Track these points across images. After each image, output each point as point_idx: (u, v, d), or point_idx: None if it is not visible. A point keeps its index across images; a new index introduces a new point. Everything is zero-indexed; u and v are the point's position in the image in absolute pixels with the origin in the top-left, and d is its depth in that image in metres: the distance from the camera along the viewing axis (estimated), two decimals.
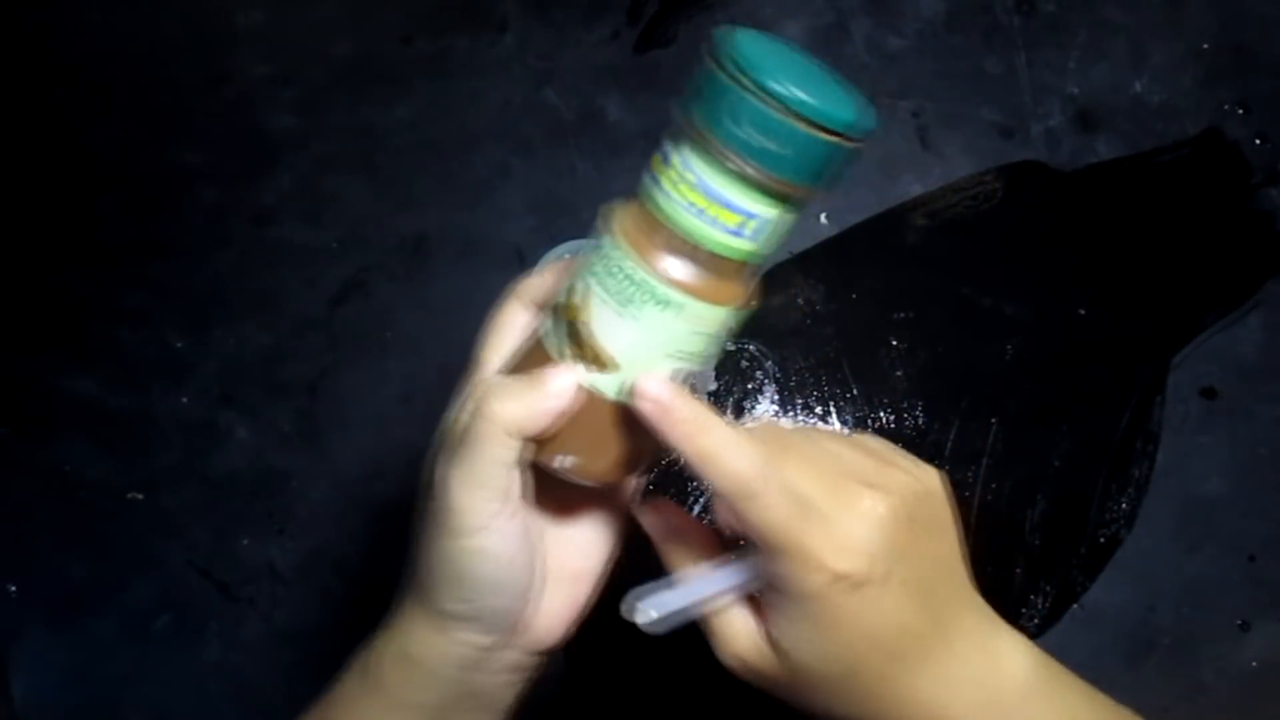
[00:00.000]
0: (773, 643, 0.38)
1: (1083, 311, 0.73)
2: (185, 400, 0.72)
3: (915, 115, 0.76)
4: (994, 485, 0.70)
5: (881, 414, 0.71)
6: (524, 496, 0.39)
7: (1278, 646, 0.69)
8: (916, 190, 0.74)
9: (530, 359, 0.39)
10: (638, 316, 0.36)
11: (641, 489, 0.46)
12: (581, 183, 0.75)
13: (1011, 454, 0.70)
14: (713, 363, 0.39)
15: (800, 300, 0.73)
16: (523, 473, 0.38)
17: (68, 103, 0.77)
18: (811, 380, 0.72)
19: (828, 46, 0.78)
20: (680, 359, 0.37)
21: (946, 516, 0.38)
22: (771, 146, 0.33)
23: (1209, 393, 0.72)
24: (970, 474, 0.70)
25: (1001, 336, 0.72)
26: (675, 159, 0.35)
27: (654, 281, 0.35)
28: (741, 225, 0.35)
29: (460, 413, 0.38)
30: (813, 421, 0.71)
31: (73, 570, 0.70)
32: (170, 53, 0.78)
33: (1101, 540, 0.70)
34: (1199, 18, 0.78)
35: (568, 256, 0.41)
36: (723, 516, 0.40)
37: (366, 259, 0.74)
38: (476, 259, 0.74)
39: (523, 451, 0.37)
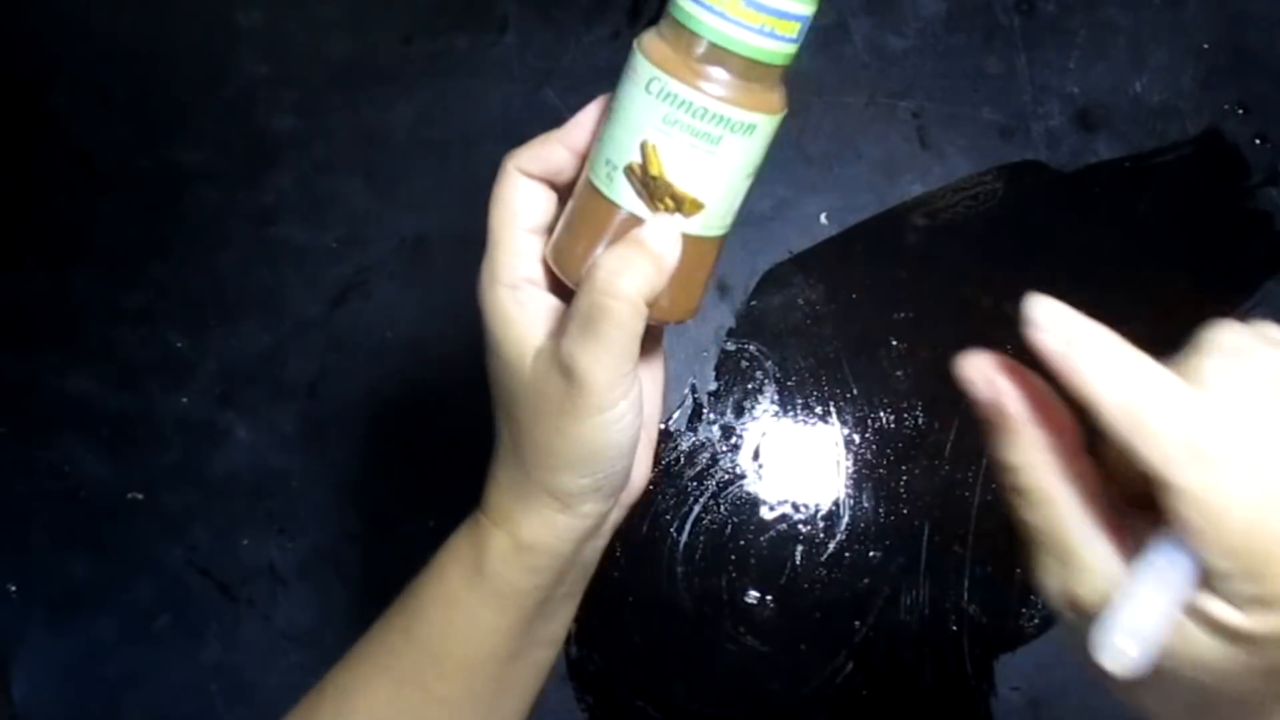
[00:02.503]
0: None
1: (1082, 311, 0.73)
2: (185, 400, 0.72)
3: (915, 115, 0.76)
4: (994, 485, 0.70)
5: (881, 414, 0.71)
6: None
7: None
8: (916, 190, 0.74)
9: (597, 224, 0.38)
10: (722, 150, 0.36)
11: None
12: None
13: None
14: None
15: (800, 300, 0.73)
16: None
17: (68, 103, 0.77)
18: (811, 380, 0.72)
19: (828, 46, 0.78)
20: (751, 177, 0.38)
21: None
22: None
23: None
24: (970, 474, 0.70)
25: (1001, 336, 0.72)
26: None
27: (736, 110, 0.36)
28: (795, 30, 0.36)
29: (588, 295, 0.36)
30: (812, 422, 0.71)
31: (73, 570, 0.70)
32: (170, 53, 0.78)
33: None
34: (1199, 18, 0.78)
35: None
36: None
37: (366, 259, 0.74)
38: (476, 259, 0.74)
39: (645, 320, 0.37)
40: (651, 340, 0.43)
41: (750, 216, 0.74)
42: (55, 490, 0.71)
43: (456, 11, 0.78)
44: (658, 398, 0.44)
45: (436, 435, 0.71)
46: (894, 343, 0.72)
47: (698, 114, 0.36)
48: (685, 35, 0.37)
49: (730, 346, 0.72)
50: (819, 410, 0.71)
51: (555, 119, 0.79)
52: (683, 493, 0.70)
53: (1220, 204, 0.75)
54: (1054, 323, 0.29)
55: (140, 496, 0.71)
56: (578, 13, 0.78)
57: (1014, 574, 0.68)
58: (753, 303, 0.73)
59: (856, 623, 0.68)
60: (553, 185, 0.41)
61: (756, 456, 0.70)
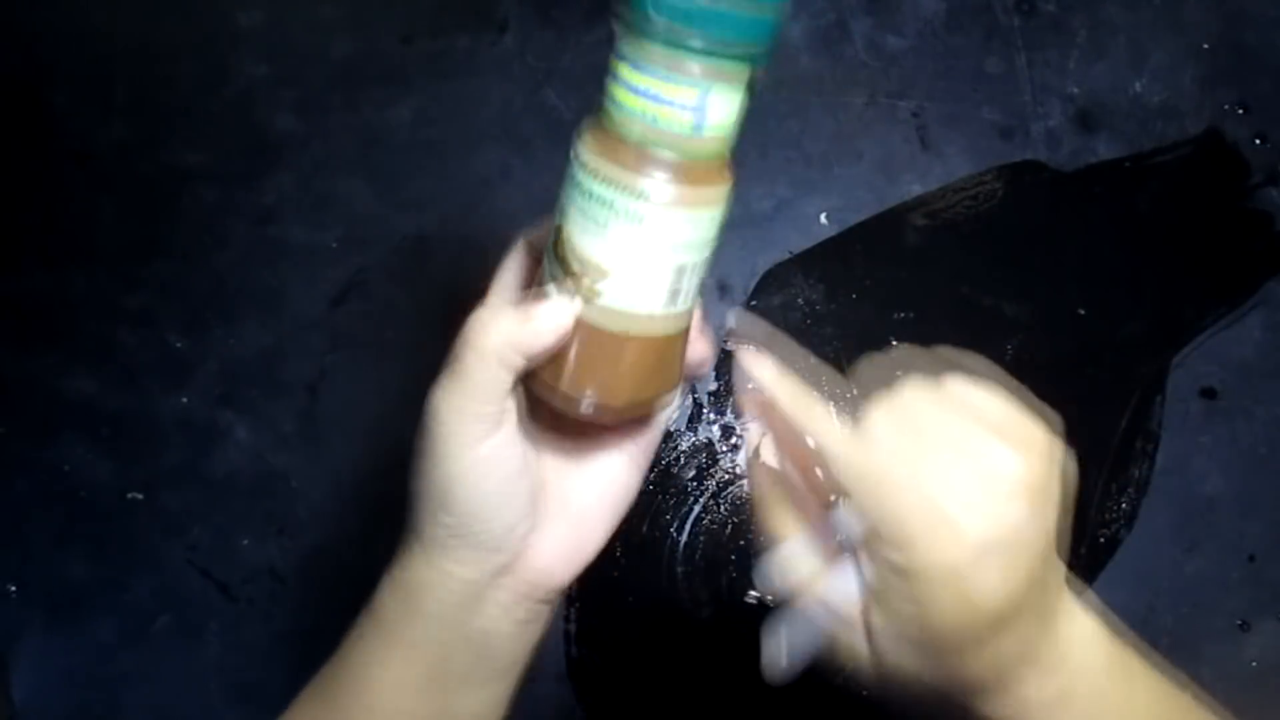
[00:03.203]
0: (886, 612, 0.36)
1: (1083, 311, 0.73)
2: (185, 400, 0.72)
3: (915, 115, 0.76)
4: None
5: None
6: (519, 423, 0.39)
7: (1278, 646, 0.69)
8: (916, 190, 0.74)
9: (532, 297, 0.39)
10: (612, 236, 0.35)
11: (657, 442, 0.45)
12: None
13: None
14: (707, 268, 0.38)
15: (800, 300, 0.73)
16: (517, 400, 0.39)
17: (68, 103, 0.77)
18: (811, 380, 0.72)
19: (827, 46, 0.78)
20: (667, 273, 0.36)
21: (1065, 490, 0.37)
22: (690, 6, 0.33)
23: (1209, 393, 0.72)
24: None
25: (1001, 336, 0.72)
26: (617, 70, 0.35)
27: (619, 197, 0.35)
28: (695, 119, 0.35)
29: (457, 339, 0.38)
30: None
31: (73, 570, 0.70)
32: (170, 53, 0.78)
33: (1101, 540, 0.70)
34: (1199, 18, 0.78)
35: None
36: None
37: (366, 259, 0.74)
38: (476, 259, 0.74)
39: (511, 380, 0.37)
40: (605, 440, 0.43)
41: (750, 216, 0.74)
42: (55, 490, 0.71)
43: (456, 11, 0.78)
44: (608, 502, 0.43)
45: None
46: (894, 343, 0.72)
47: (587, 193, 0.35)
48: (598, 121, 0.36)
49: (730, 347, 0.72)
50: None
51: (555, 119, 0.79)
52: (683, 493, 0.70)
53: (1220, 204, 0.75)
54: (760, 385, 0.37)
55: (140, 496, 0.71)
56: (578, 13, 0.78)
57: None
58: (753, 303, 0.73)
59: None
60: None
61: (756, 457, 0.70)
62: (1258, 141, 0.76)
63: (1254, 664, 0.68)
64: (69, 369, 0.72)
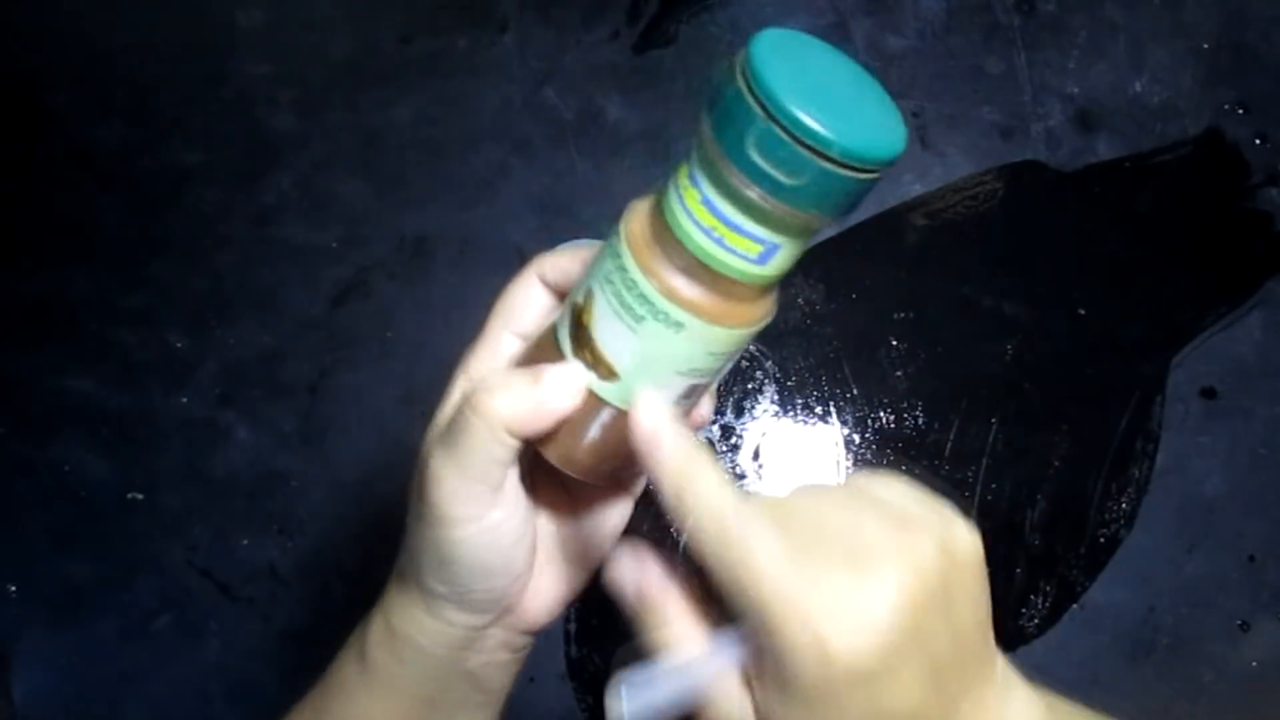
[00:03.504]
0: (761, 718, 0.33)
1: (1083, 311, 0.73)
2: (185, 400, 0.72)
3: (915, 115, 0.76)
4: (994, 485, 0.70)
5: (881, 414, 0.71)
6: (520, 486, 0.38)
7: (1278, 646, 0.69)
8: (916, 190, 0.74)
9: (541, 350, 0.37)
10: (642, 330, 0.34)
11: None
12: (581, 183, 0.75)
13: (1011, 454, 0.70)
14: (722, 374, 0.37)
15: (800, 300, 0.73)
16: (520, 466, 0.38)
17: (68, 103, 0.77)
18: (811, 380, 0.72)
19: None
20: (687, 375, 0.35)
21: (976, 584, 0.34)
22: (786, 180, 0.30)
23: (1209, 393, 0.72)
24: (970, 474, 0.70)
25: (1001, 336, 0.72)
26: (692, 172, 0.32)
27: (659, 298, 0.33)
28: (763, 255, 0.33)
29: (457, 396, 0.37)
30: (812, 422, 0.71)
31: (73, 570, 0.70)
32: (170, 53, 0.78)
33: (1101, 540, 0.70)
34: (1199, 18, 0.78)
35: (586, 245, 0.39)
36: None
37: (366, 259, 0.74)
38: (476, 259, 0.74)
39: (515, 450, 0.36)
40: (592, 488, 0.42)
41: None
42: (55, 490, 0.71)
43: (456, 11, 0.78)
44: (596, 544, 0.42)
45: None
46: (894, 343, 0.72)
47: (628, 283, 0.33)
48: (657, 207, 0.34)
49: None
50: (819, 410, 0.71)
51: (555, 119, 0.79)
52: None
53: (1220, 204, 0.75)
54: (646, 423, 0.33)
55: (140, 496, 0.71)
56: (578, 13, 0.78)
57: (1014, 574, 0.68)
58: None
59: None
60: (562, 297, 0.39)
61: (756, 456, 0.70)
62: (1258, 141, 0.76)
63: (1254, 664, 0.68)
64: (69, 369, 0.72)
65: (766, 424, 0.71)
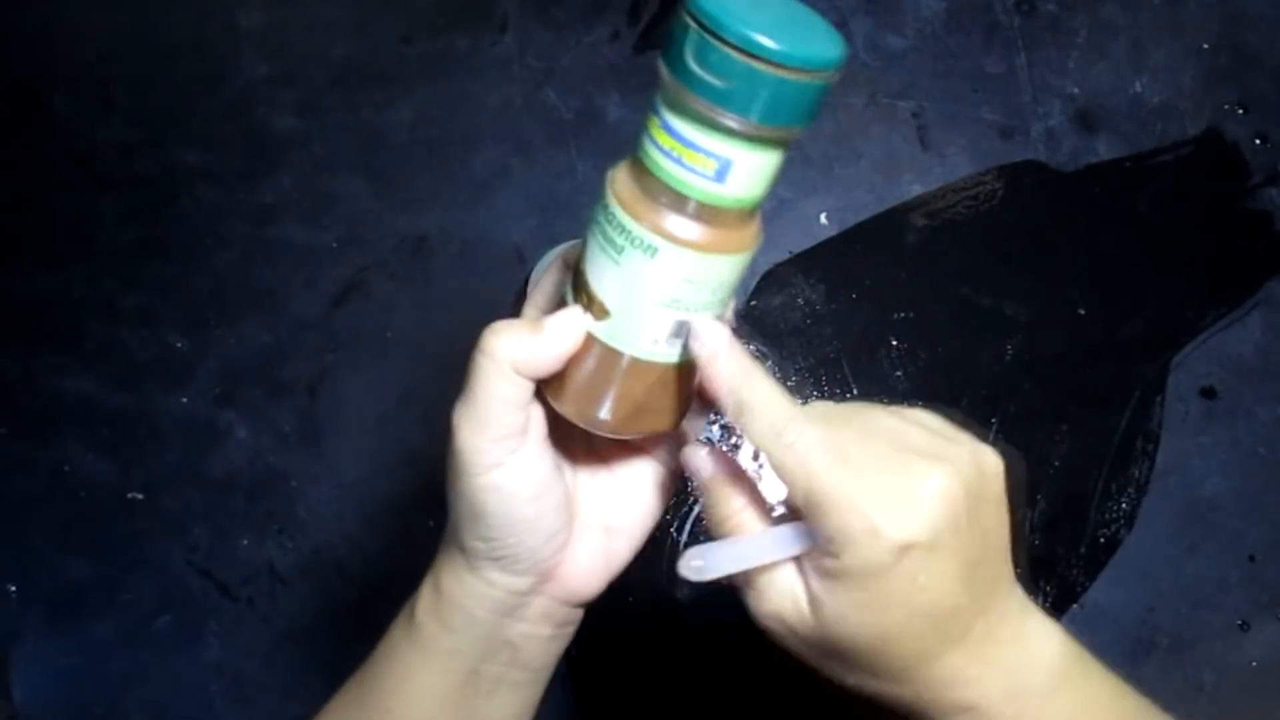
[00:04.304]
0: (813, 604, 0.36)
1: (1083, 311, 0.73)
2: (185, 400, 0.72)
3: (915, 115, 0.76)
4: None
5: None
6: (546, 437, 0.40)
7: (1278, 646, 0.69)
8: (916, 190, 0.74)
9: (551, 308, 0.40)
10: (625, 263, 0.36)
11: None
12: (581, 183, 0.75)
13: (1011, 454, 0.70)
14: (720, 310, 0.39)
15: (800, 300, 0.73)
16: (541, 413, 0.39)
17: (68, 103, 0.77)
18: (811, 380, 0.72)
19: None
20: (670, 308, 0.37)
21: (1001, 496, 0.38)
22: (727, 85, 0.32)
23: (1209, 393, 0.72)
24: None
25: (1001, 336, 0.72)
26: (654, 104, 0.35)
27: (637, 227, 0.35)
28: (719, 170, 0.34)
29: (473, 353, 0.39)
30: None
31: (73, 570, 0.70)
32: (170, 53, 0.78)
33: (1101, 540, 0.70)
34: (1199, 18, 0.78)
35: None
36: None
37: (366, 259, 0.74)
38: (476, 259, 0.74)
39: (527, 392, 0.38)
40: (631, 453, 0.44)
41: None
42: (55, 490, 0.71)
43: (456, 11, 0.78)
44: (635, 514, 0.44)
45: (437, 435, 0.71)
46: (894, 343, 0.72)
47: (608, 217, 0.36)
48: (633, 148, 0.36)
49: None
50: None
51: (555, 119, 0.79)
52: (683, 493, 0.70)
53: (1220, 204, 0.75)
54: (706, 342, 0.37)
55: (140, 496, 0.71)
56: (578, 13, 0.78)
57: (1014, 574, 0.68)
58: (753, 303, 0.73)
59: None
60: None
61: (756, 456, 0.70)
62: (1258, 141, 0.76)
63: (1254, 664, 0.68)
64: (69, 369, 0.72)
65: None
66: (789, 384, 0.72)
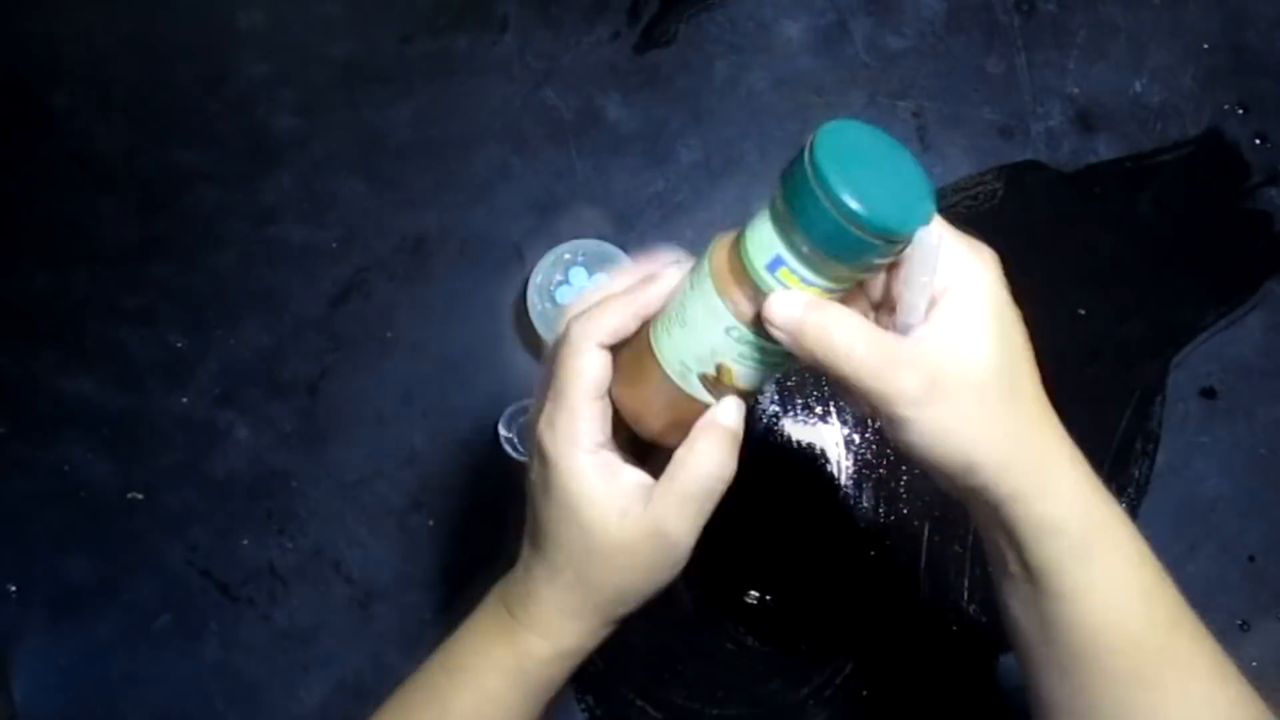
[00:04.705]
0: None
1: (1083, 311, 0.73)
2: (185, 400, 0.72)
3: (915, 115, 0.76)
4: None
5: None
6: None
7: (1278, 646, 0.69)
8: None
9: (671, 402, 0.43)
10: (779, 368, 0.42)
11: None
12: (581, 183, 0.75)
13: None
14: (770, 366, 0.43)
15: None
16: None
17: (68, 103, 0.77)
18: (811, 380, 0.72)
19: (828, 46, 0.78)
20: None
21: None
22: (840, 250, 0.37)
23: (1209, 393, 0.72)
24: None
25: None
26: (767, 229, 0.39)
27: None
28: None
29: (690, 474, 0.42)
30: (812, 422, 0.71)
31: (73, 570, 0.70)
32: (170, 53, 0.78)
33: None
34: (1199, 18, 0.78)
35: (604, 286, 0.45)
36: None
37: (366, 259, 0.74)
38: (476, 259, 0.74)
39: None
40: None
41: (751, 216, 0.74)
42: (55, 490, 0.71)
43: (456, 11, 0.78)
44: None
45: (436, 435, 0.71)
46: None
47: (768, 353, 0.40)
48: (759, 291, 0.39)
49: None
50: (819, 410, 0.71)
51: (555, 119, 0.79)
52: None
53: (1220, 204, 0.75)
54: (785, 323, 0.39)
55: (140, 496, 0.71)
56: (578, 13, 0.78)
57: None
58: None
59: (857, 623, 0.68)
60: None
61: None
62: (1258, 141, 0.76)
63: (1254, 664, 0.68)
64: (69, 369, 0.72)
65: (767, 424, 0.71)
66: (788, 384, 0.72)
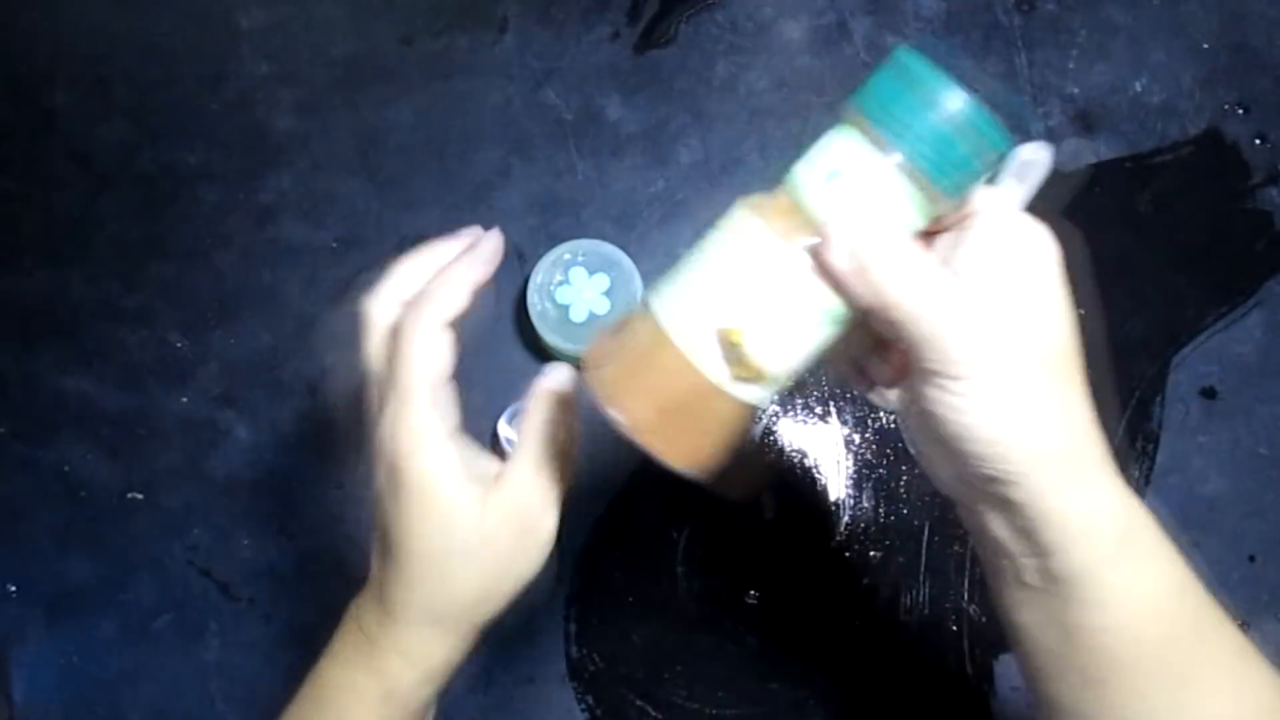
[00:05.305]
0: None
1: (1083, 311, 0.73)
2: (185, 400, 0.72)
3: None
4: None
5: (882, 414, 0.71)
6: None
7: (1278, 646, 0.69)
8: None
9: (664, 371, 0.35)
10: (813, 336, 0.35)
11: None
12: (581, 183, 0.75)
13: None
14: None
15: None
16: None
17: (68, 103, 0.77)
18: (811, 380, 0.72)
19: (828, 46, 0.78)
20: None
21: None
22: (940, 157, 0.34)
23: (1209, 393, 0.72)
24: None
25: None
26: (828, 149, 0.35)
27: (839, 307, 0.35)
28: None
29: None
30: (812, 422, 0.71)
31: (73, 570, 0.70)
32: (170, 53, 0.78)
33: None
34: (1199, 18, 0.78)
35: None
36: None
37: (366, 259, 0.74)
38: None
39: None
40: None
41: None
42: (55, 490, 0.71)
43: (456, 11, 0.78)
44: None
45: None
46: None
47: (807, 304, 0.34)
48: (807, 222, 0.35)
49: None
50: (819, 410, 0.71)
51: (555, 119, 0.79)
52: (666, 508, 0.70)
53: (1220, 204, 0.75)
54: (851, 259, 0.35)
55: (140, 496, 0.71)
56: (578, 13, 0.78)
57: None
58: None
59: (856, 623, 0.68)
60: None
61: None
62: (1258, 141, 0.76)
63: None
64: (69, 369, 0.72)
65: (766, 424, 0.71)
66: (790, 383, 0.72)
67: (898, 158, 0.33)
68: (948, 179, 0.34)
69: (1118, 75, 0.77)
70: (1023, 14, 0.78)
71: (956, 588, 0.68)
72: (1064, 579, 0.35)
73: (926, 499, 0.69)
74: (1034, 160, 0.36)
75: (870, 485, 0.70)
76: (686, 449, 0.36)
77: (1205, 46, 0.77)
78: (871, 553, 0.69)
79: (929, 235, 0.38)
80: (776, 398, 0.71)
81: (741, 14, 0.78)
